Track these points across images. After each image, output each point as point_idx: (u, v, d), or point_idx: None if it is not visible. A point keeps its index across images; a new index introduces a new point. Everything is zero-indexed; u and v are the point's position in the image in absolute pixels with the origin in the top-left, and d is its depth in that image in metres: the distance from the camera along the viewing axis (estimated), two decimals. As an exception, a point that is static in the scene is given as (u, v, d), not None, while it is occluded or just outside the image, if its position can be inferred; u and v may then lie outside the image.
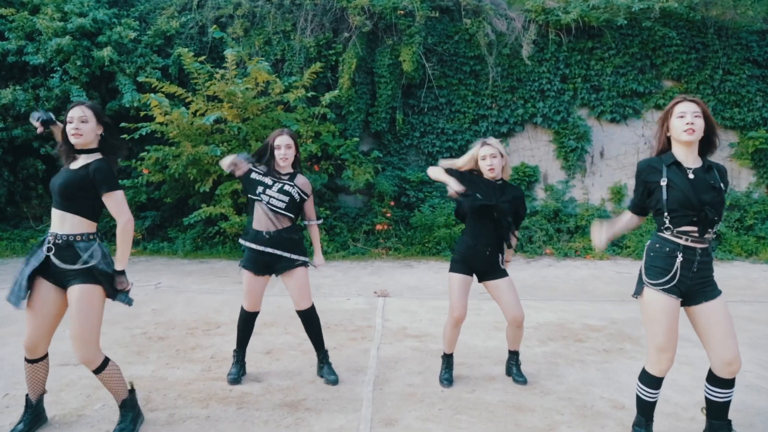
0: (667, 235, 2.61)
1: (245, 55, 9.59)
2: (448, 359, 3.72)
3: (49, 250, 2.70)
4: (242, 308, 3.66)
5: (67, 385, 3.52)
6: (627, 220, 2.92)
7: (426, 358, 4.14)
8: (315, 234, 3.83)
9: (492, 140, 3.54)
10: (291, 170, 3.66)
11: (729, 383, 2.58)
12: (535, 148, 10.84)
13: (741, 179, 10.90)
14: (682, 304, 2.63)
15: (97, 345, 2.76)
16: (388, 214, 9.87)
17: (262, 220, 3.52)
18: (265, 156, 3.62)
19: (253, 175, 3.59)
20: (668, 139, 2.69)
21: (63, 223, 2.73)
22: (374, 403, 3.27)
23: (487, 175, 3.49)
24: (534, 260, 9.21)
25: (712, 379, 2.61)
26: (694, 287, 2.59)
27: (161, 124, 8.76)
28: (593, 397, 3.46)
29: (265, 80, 8.93)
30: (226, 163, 3.61)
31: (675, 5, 9.93)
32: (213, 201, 9.06)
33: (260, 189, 3.51)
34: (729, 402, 2.63)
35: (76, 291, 2.68)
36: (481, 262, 3.53)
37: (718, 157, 10.82)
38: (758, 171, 10.79)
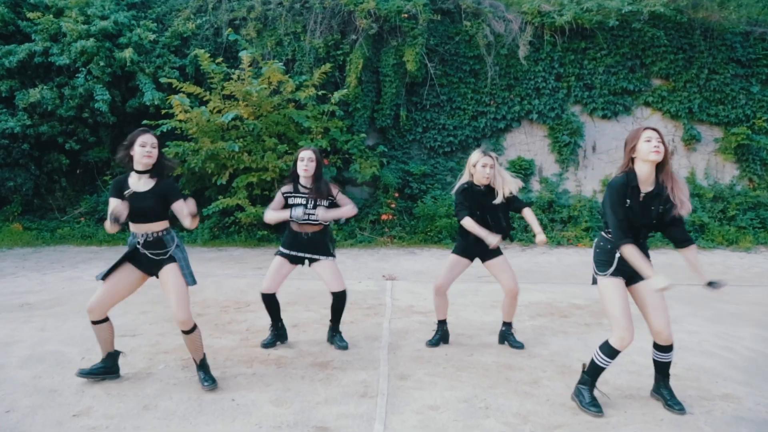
0: (609, 236, 3.21)
1: (258, 55, 10.19)
2: (441, 325, 4.48)
3: (146, 246, 3.45)
4: (261, 292, 4.23)
5: (132, 351, 4.18)
6: (638, 253, 3.03)
7: (431, 330, 4.81)
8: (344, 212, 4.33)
9: (491, 153, 4.22)
10: (312, 182, 4.20)
11: (665, 348, 3.25)
12: (530, 143, 11.49)
13: (725, 173, 11.56)
14: (626, 284, 3.25)
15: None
16: (393, 205, 10.54)
17: (301, 228, 4.18)
18: (294, 169, 4.25)
19: (290, 201, 4.20)
20: (631, 160, 3.21)
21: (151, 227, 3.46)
22: (390, 363, 3.96)
23: (482, 182, 4.16)
24: (529, 248, 9.88)
25: (654, 343, 3.30)
26: (633, 272, 3.15)
27: (181, 121, 9.40)
28: (572, 359, 4.14)
29: (277, 80, 9.56)
30: (272, 217, 4.21)
31: (662, 9, 10.52)
32: (229, 193, 9.73)
33: (301, 210, 4.11)
34: (668, 363, 3.31)
35: (171, 268, 3.43)
36: (478, 248, 4.21)
37: (703, 152, 11.53)
38: (741, 165, 11.45)
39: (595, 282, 3.36)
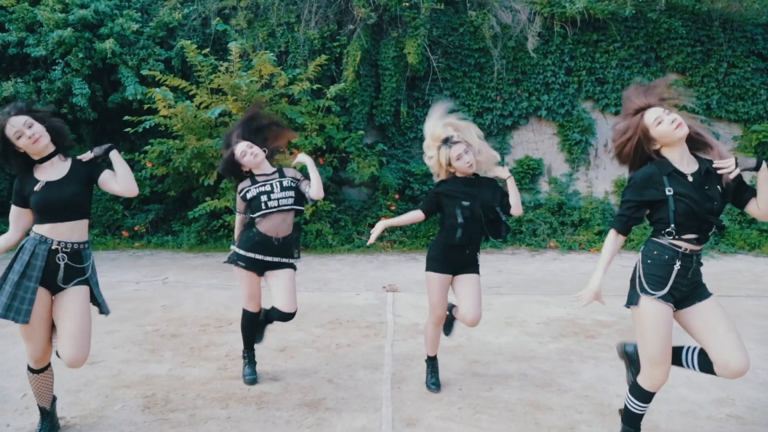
0: (664, 241, 2.51)
1: (249, 47, 9.52)
2: (432, 362, 3.61)
3: (62, 258, 2.68)
4: (246, 311, 3.57)
5: (84, 385, 3.51)
6: (612, 246, 2.66)
7: (440, 356, 4.13)
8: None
9: (452, 124, 3.42)
10: (272, 167, 3.62)
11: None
12: (539, 141, 10.83)
13: (744, 172, 10.88)
14: (675, 308, 2.55)
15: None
16: (393, 207, 9.87)
17: (271, 227, 3.43)
18: (233, 172, 3.59)
19: (250, 194, 3.48)
20: (645, 158, 2.57)
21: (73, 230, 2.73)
22: (393, 403, 3.29)
23: (466, 171, 3.33)
24: (539, 253, 9.22)
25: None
26: (687, 292, 2.54)
27: (165, 117, 8.72)
28: (609, 395, 3.48)
29: (269, 73, 8.88)
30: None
31: (681, -3, 9.89)
32: (217, 194, 9.04)
33: (265, 198, 3.42)
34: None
35: (80, 291, 2.72)
36: (458, 259, 3.39)
37: (721, 150, 10.83)
38: (762, 164, 10.79)
39: (632, 303, 2.60)
